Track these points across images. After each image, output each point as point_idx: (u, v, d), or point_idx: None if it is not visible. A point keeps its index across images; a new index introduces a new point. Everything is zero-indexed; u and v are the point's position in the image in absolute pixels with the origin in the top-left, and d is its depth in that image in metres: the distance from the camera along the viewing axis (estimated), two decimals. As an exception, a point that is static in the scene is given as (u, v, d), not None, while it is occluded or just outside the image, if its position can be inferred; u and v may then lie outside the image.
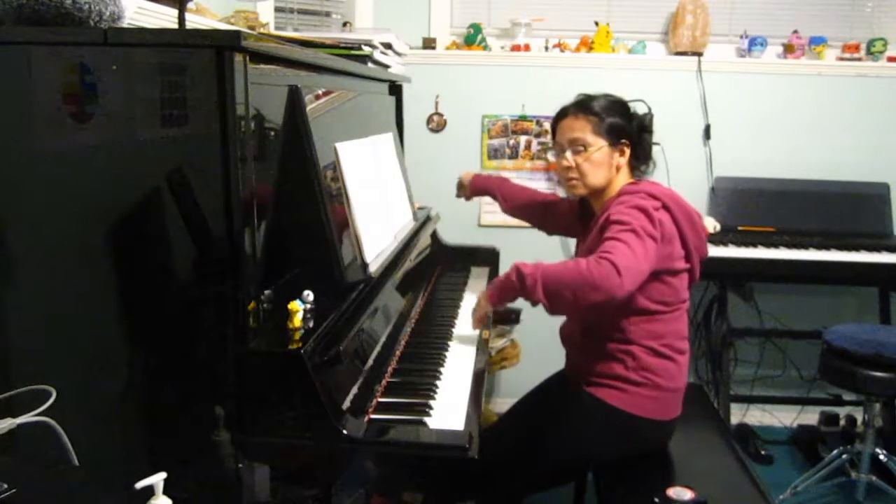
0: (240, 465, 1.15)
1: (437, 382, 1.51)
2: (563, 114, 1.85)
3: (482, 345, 1.77)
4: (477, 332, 1.81)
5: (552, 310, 1.58)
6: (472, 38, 3.12)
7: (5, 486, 0.85)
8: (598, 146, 1.76)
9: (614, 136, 1.78)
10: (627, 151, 1.80)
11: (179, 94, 1.08)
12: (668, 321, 1.72)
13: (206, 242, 1.12)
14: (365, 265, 1.50)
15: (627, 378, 1.69)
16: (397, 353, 1.63)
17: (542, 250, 3.10)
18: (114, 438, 1.19)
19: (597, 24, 3.07)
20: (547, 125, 3.11)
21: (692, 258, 1.73)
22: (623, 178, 1.81)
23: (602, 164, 1.78)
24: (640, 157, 1.85)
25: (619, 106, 1.83)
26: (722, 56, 3.11)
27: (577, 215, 2.02)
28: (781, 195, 3.01)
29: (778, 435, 3.16)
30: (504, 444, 1.78)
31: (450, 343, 1.75)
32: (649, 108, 2.92)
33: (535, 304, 1.59)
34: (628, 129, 1.81)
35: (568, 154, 1.79)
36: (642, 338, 1.70)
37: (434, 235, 2.43)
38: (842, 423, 3.06)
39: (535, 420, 1.82)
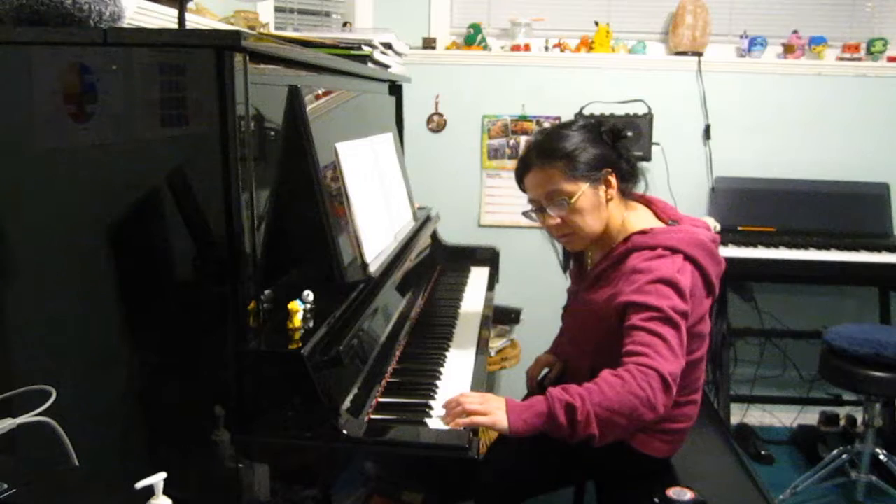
0: (240, 465, 1.15)
1: (437, 382, 1.51)
2: (526, 166, 1.59)
3: (482, 345, 1.77)
4: (476, 332, 1.80)
5: (600, 442, 1.34)
6: (472, 38, 3.12)
7: (5, 486, 0.85)
8: (580, 191, 1.52)
9: (593, 171, 1.54)
10: (613, 179, 1.56)
11: (179, 94, 1.08)
12: (690, 371, 1.56)
13: (206, 242, 1.12)
14: (365, 265, 1.50)
15: (644, 427, 1.56)
16: (397, 353, 1.63)
17: (542, 251, 3.10)
18: (114, 438, 1.19)
19: (597, 24, 3.08)
20: (547, 125, 3.12)
21: (715, 288, 1.54)
22: (619, 209, 1.60)
23: (592, 209, 1.55)
24: (627, 174, 1.61)
25: (584, 132, 1.58)
26: (722, 56, 3.12)
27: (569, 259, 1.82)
28: (781, 195, 3.02)
29: (778, 435, 3.16)
30: (509, 451, 1.77)
31: (450, 343, 1.75)
32: (649, 108, 2.94)
33: (575, 441, 1.34)
34: (605, 154, 1.56)
35: (551, 211, 1.56)
36: None
37: (434, 235, 2.43)
38: (842, 423, 3.05)
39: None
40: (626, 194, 1.63)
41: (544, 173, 1.55)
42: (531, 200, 1.62)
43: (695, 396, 1.64)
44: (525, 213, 1.66)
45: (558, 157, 1.54)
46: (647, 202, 1.68)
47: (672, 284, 1.42)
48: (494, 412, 1.33)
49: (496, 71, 3.11)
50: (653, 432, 1.60)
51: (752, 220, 3.00)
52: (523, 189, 1.64)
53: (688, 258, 1.48)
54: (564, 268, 1.87)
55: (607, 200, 1.57)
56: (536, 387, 1.91)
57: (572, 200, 1.53)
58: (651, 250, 1.49)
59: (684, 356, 1.40)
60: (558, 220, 1.56)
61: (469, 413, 1.31)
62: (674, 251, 1.47)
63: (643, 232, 1.54)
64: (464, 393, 1.38)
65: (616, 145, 1.60)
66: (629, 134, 1.65)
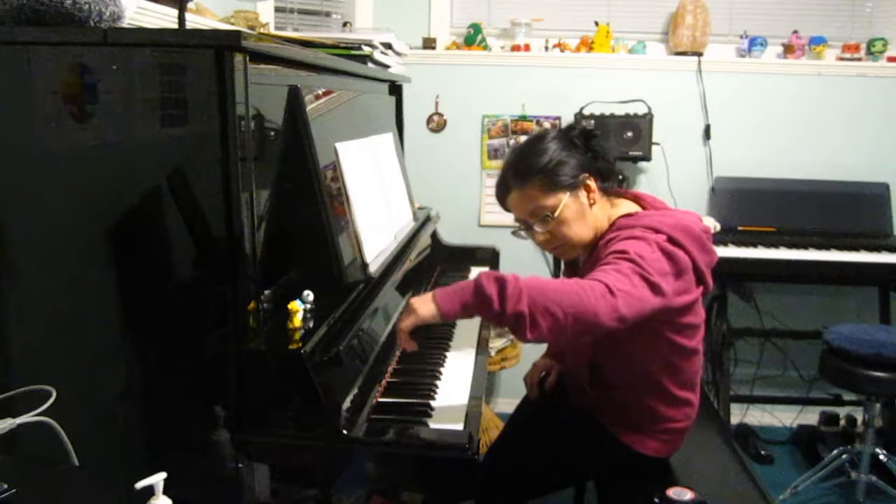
0: (240, 465, 1.14)
1: (437, 382, 1.51)
2: (504, 189, 1.60)
3: (482, 345, 1.77)
4: (476, 332, 1.79)
5: (531, 331, 1.25)
6: (472, 38, 3.12)
7: (5, 486, 0.85)
8: (562, 203, 1.53)
9: (571, 179, 1.54)
10: (592, 183, 1.56)
11: (179, 94, 1.08)
12: (686, 363, 1.58)
13: (206, 242, 1.12)
14: (365, 265, 1.50)
15: (643, 427, 1.59)
16: (397, 353, 1.63)
17: (542, 251, 3.10)
18: (114, 438, 1.19)
19: (597, 24, 3.08)
20: (547, 124, 3.12)
21: (705, 278, 1.51)
22: (604, 209, 1.60)
23: (577, 217, 1.55)
24: (606, 173, 1.61)
25: (555, 142, 1.57)
26: (722, 56, 3.12)
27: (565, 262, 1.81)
28: (781, 195, 3.02)
29: (778, 435, 3.16)
30: (508, 452, 1.77)
31: (450, 343, 1.75)
32: (649, 108, 2.94)
33: (505, 323, 1.28)
34: (579, 161, 1.56)
35: (537, 227, 1.56)
36: (660, 391, 1.57)
37: (434, 235, 2.43)
38: (842, 423, 3.06)
39: (540, 430, 1.75)
40: (610, 192, 1.63)
41: (524, 193, 1.56)
42: (517, 220, 1.63)
43: (692, 395, 1.63)
44: (514, 233, 1.66)
45: (534, 173, 1.54)
46: (636, 197, 1.67)
47: (642, 239, 1.41)
48: (419, 309, 1.32)
49: (496, 71, 3.11)
50: (652, 432, 1.60)
51: (752, 220, 3.00)
52: (507, 210, 1.63)
53: (671, 240, 1.43)
54: (555, 276, 1.86)
55: (591, 205, 1.57)
56: (538, 390, 1.91)
57: (556, 213, 1.53)
58: (632, 229, 1.47)
59: (652, 295, 1.33)
60: (547, 235, 1.57)
61: (403, 327, 1.32)
62: (656, 231, 1.44)
63: (628, 215, 1.54)
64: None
65: (590, 145, 1.60)
66: (599, 132, 1.64)
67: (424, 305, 1.32)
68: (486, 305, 1.28)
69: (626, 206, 1.63)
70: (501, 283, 1.27)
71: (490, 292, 1.26)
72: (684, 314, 1.51)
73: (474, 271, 2.45)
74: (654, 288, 1.33)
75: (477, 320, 1.96)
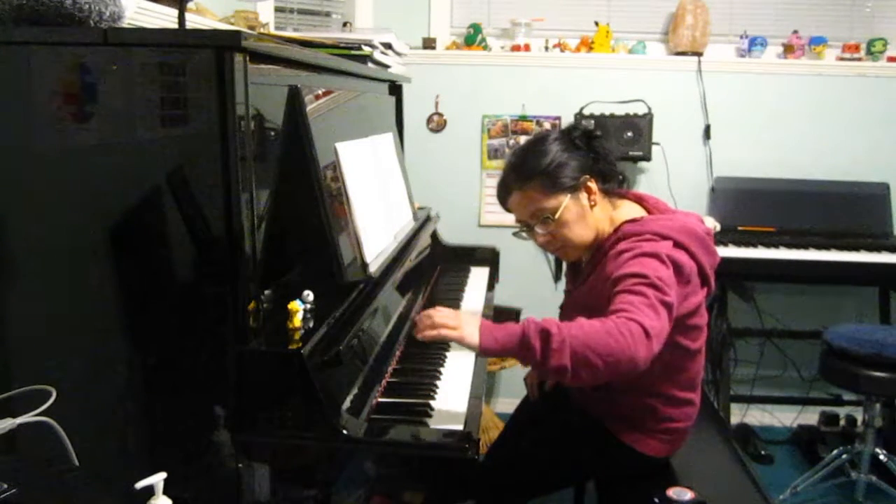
0: (240, 465, 1.15)
1: (437, 382, 1.51)
2: (505, 190, 1.60)
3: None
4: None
5: (572, 379, 1.29)
6: (472, 38, 3.12)
7: (5, 486, 0.85)
8: (563, 205, 1.53)
9: (572, 180, 1.54)
10: (593, 185, 1.56)
11: (179, 94, 1.08)
12: (688, 364, 1.58)
13: (206, 242, 1.12)
14: (365, 265, 1.50)
15: (643, 426, 1.60)
16: (397, 353, 1.63)
17: (542, 251, 3.10)
18: (114, 438, 1.19)
19: (597, 24, 3.08)
20: (547, 125, 3.12)
21: (710, 280, 1.53)
22: (605, 210, 1.59)
23: (579, 218, 1.55)
24: (608, 174, 1.61)
25: (557, 143, 1.57)
26: (722, 56, 3.12)
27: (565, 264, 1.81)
28: (781, 195, 3.02)
29: (778, 435, 3.16)
30: (509, 452, 1.77)
31: (450, 343, 1.75)
32: (649, 108, 2.94)
33: (547, 373, 1.31)
34: (580, 161, 1.56)
35: (538, 229, 1.57)
36: (662, 390, 1.57)
37: (434, 235, 2.43)
38: (842, 423, 3.06)
39: (540, 431, 1.75)
40: (611, 193, 1.63)
41: (524, 194, 1.56)
42: (518, 221, 1.63)
43: (694, 395, 1.63)
44: (515, 234, 1.66)
45: (535, 175, 1.54)
46: (638, 198, 1.67)
47: (655, 255, 1.40)
48: (465, 327, 1.32)
49: (496, 71, 3.11)
50: (652, 432, 1.60)
51: (752, 220, 3.00)
52: (508, 211, 1.64)
53: (677, 244, 1.45)
54: (556, 278, 1.86)
55: (592, 206, 1.57)
56: (538, 391, 1.91)
57: (557, 215, 1.54)
58: (639, 236, 1.48)
59: (670, 322, 1.35)
60: (548, 237, 1.57)
61: (438, 327, 1.31)
62: (663, 237, 1.45)
63: (633, 220, 1.54)
64: (437, 307, 1.38)
65: (591, 145, 1.60)
66: (600, 133, 1.65)
67: (470, 330, 1.33)
68: (529, 356, 1.30)
69: (627, 208, 1.63)
70: (546, 335, 1.28)
71: (534, 344, 1.28)
72: (690, 316, 1.52)
73: (474, 271, 2.45)
74: (669, 308, 1.35)
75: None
